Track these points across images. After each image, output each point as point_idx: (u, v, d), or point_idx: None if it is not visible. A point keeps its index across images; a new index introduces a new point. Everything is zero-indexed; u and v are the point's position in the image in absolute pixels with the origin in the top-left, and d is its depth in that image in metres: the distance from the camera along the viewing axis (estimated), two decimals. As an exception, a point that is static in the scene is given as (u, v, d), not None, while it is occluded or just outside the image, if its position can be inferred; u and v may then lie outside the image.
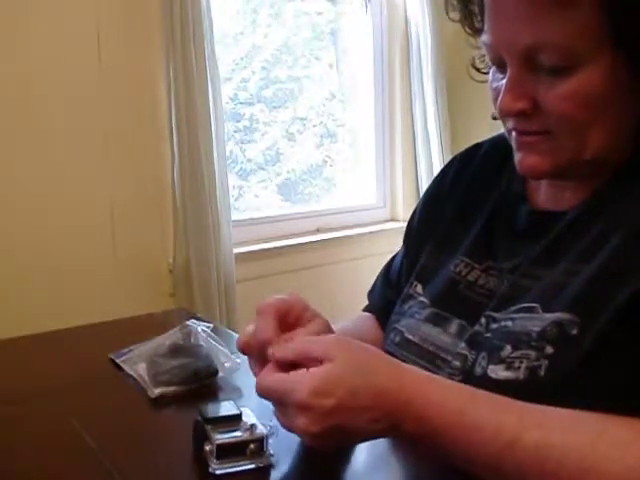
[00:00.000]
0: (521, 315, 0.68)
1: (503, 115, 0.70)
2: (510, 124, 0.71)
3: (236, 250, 2.45)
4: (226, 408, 0.69)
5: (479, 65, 0.80)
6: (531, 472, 0.58)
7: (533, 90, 0.66)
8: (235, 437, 0.65)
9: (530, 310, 0.68)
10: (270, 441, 0.67)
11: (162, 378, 0.86)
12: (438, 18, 2.88)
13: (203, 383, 0.87)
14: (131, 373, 0.92)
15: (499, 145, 0.84)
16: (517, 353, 0.66)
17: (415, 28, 2.93)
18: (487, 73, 0.76)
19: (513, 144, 0.72)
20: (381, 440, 0.75)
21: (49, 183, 2.12)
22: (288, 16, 2.90)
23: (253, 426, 0.66)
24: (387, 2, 2.96)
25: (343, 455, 0.70)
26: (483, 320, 0.73)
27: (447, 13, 0.78)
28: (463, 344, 0.73)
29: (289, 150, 2.95)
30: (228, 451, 0.65)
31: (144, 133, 2.30)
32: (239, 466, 0.65)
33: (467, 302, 0.77)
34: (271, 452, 0.66)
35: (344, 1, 2.99)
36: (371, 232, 2.92)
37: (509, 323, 0.69)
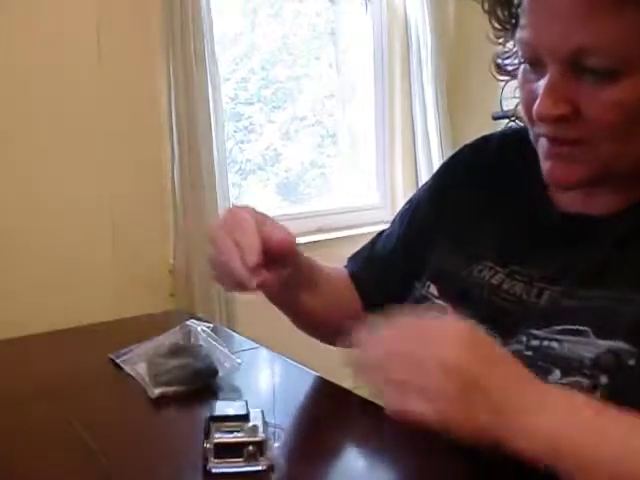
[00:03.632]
0: (569, 338, 0.63)
1: (541, 120, 0.64)
2: (542, 130, 0.65)
3: (236, 250, 2.44)
4: (235, 408, 0.68)
5: (504, 62, 0.75)
6: None
7: (575, 95, 0.61)
8: (234, 437, 0.65)
9: (580, 333, 0.63)
10: (276, 445, 0.67)
11: (162, 378, 0.86)
12: (438, 18, 2.88)
13: (203, 383, 0.87)
14: (131, 373, 0.91)
15: (510, 140, 0.80)
16: (567, 379, 0.61)
17: (415, 28, 2.92)
18: (510, 73, 0.72)
19: (541, 151, 0.68)
20: (380, 440, 0.75)
21: (49, 183, 2.12)
22: (287, 16, 2.90)
23: (255, 428, 0.65)
24: (387, 2, 2.96)
25: (341, 457, 0.70)
26: (524, 338, 0.67)
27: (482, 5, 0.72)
28: None
29: (289, 150, 2.95)
30: (226, 451, 0.65)
31: (144, 133, 2.30)
32: (235, 467, 0.65)
33: (492, 307, 0.72)
34: (270, 456, 0.65)
35: (344, 1, 2.99)
36: (371, 232, 2.91)
37: (555, 344, 0.64)
